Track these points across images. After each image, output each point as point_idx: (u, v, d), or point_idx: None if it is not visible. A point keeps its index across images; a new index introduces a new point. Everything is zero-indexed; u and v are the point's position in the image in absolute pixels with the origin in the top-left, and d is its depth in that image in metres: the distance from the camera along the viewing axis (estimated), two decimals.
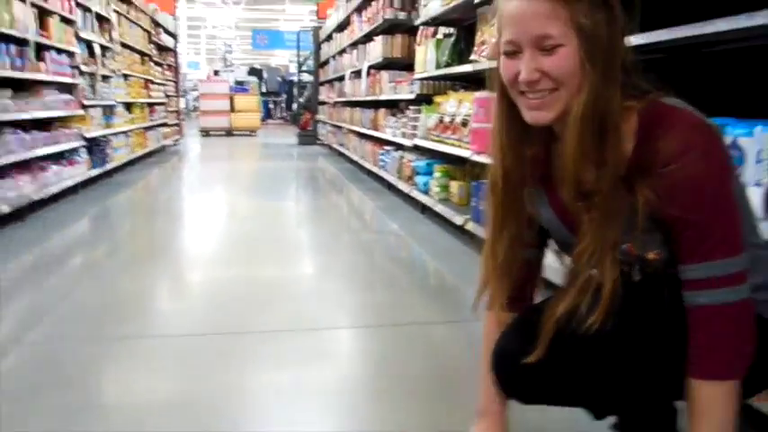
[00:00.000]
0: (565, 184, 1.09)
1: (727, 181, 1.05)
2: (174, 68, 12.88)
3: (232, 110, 15.18)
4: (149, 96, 9.74)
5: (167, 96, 11.59)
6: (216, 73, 20.05)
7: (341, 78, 9.70)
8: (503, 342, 1.26)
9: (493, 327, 1.31)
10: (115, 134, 7.34)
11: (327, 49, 11.71)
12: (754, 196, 1.62)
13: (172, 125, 11.90)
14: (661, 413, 1.32)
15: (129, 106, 8.37)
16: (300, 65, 15.10)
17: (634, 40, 2.08)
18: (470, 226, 3.66)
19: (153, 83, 10.20)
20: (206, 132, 15.03)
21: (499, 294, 1.25)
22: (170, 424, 1.71)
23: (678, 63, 2.42)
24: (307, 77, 15.36)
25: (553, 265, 1.35)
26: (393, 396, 1.91)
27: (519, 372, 1.19)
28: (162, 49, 11.62)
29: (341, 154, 9.87)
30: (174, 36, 12.82)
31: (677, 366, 1.06)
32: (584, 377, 1.13)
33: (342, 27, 9.72)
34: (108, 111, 7.24)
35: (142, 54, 9.50)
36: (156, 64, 10.84)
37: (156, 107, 10.42)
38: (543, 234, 1.28)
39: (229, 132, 15.16)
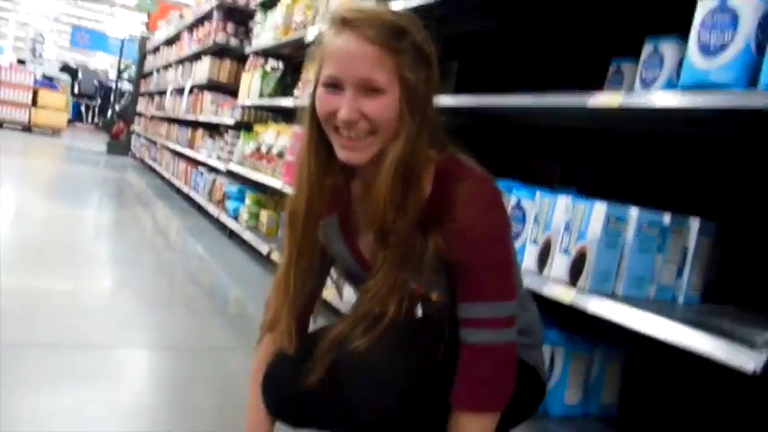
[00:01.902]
0: (371, 224, 1.12)
1: (506, 233, 1.16)
2: None
3: (34, 104, 13.79)
4: None
5: None
6: (21, 62, 18.16)
7: (162, 93, 9.29)
8: (275, 365, 1.26)
9: (266, 351, 1.31)
10: None
11: (153, 62, 11.17)
12: (531, 253, 1.80)
13: None
14: None
15: None
16: (121, 71, 14.23)
17: (447, 100, 2.26)
18: (276, 256, 3.64)
19: None
20: None
21: (288, 323, 1.23)
22: None
23: (484, 129, 2.64)
24: (126, 85, 14.49)
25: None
26: (181, 421, 1.80)
27: (291, 395, 1.20)
28: None
29: (152, 169, 9.35)
30: None
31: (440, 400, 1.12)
32: (356, 404, 1.13)
33: (171, 42, 9.35)
34: None
35: None
36: None
37: None
38: (327, 262, 1.30)
39: (28, 128, 13.69)
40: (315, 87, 1.12)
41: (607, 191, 2.12)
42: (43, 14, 25.81)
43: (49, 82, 15.34)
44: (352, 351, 1.08)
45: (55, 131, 14.16)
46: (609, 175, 2.37)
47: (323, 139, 1.13)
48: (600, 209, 1.61)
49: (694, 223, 1.65)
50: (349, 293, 1.40)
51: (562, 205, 1.73)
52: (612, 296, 1.58)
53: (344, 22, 1.06)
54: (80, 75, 21.01)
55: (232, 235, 4.77)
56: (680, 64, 1.54)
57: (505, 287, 1.12)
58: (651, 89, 1.67)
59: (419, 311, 1.16)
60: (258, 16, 5.02)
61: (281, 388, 1.24)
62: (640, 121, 1.95)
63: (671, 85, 1.62)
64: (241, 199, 4.68)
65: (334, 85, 1.07)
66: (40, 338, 2.25)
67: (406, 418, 1.13)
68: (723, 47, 1.37)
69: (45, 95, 14.05)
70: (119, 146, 12.05)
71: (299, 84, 4.05)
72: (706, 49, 1.41)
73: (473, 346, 1.10)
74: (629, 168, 2.28)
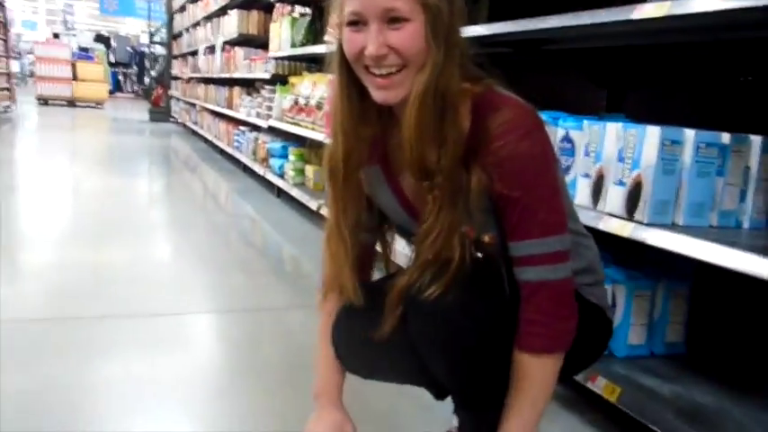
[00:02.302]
0: (407, 162, 1.08)
1: (551, 163, 1.09)
2: (3, 25, 11.46)
3: (74, 78, 14.00)
4: None
5: None
6: (56, 36, 18.38)
7: (194, 53, 9.28)
8: (345, 317, 1.27)
9: (333, 307, 1.30)
10: None
11: (181, 21, 11.13)
12: (583, 187, 1.74)
13: (1, 89, 10.68)
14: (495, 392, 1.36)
15: None
16: (152, 35, 14.25)
17: (481, 30, 2.16)
18: (325, 211, 3.65)
19: None
20: (44, 101, 13.73)
21: (350, 276, 1.22)
22: None
23: (522, 58, 2.54)
24: (159, 49, 14.54)
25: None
26: (246, 383, 1.86)
27: (362, 347, 1.21)
28: None
29: (195, 132, 9.46)
30: None
31: (510, 343, 1.10)
32: (433, 353, 1.13)
33: None
34: None
35: None
36: None
37: None
38: (378, 217, 1.28)
39: (72, 103, 13.97)
40: (340, 30, 1.07)
41: (657, 113, 2.03)
42: None
43: (85, 53, 15.52)
44: (424, 300, 1.06)
45: (98, 104, 14.42)
46: (658, 95, 2.26)
47: (355, 85, 1.09)
48: (653, 133, 1.52)
49: (756, 141, 1.55)
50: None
51: (612, 133, 1.65)
52: (673, 226, 1.51)
53: None
54: (113, 43, 21.18)
55: (280, 193, 4.81)
56: None
57: (554, 220, 1.07)
58: None
59: (474, 254, 1.12)
60: None
61: (352, 340, 1.25)
62: (690, 31, 1.83)
63: None
64: (285, 156, 4.69)
65: (358, 22, 1.03)
66: (106, 310, 2.33)
67: (481, 364, 1.12)
68: None
69: (83, 68, 14.26)
70: (160, 112, 12.20)
71: (329, 28, 3.97)
72: None
73: (526, 284, 1.07)
74: (680, 87, 2.16)
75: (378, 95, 1.06)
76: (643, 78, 2.30)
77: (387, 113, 1.13)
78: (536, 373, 1.08)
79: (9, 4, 12.17)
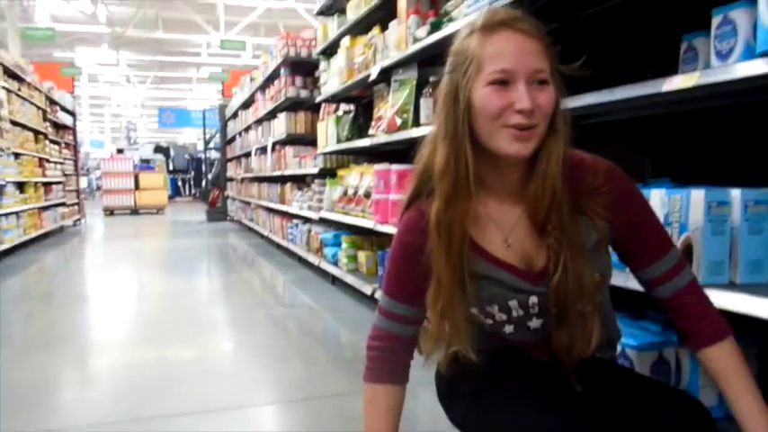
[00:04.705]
0: (532, 218, 1.16)
1: None
2: (73, 147, 12.41)
3: (137, 188, 14.81)
4: (44, 175, 9.30)
5: (65, 175, 11.10)
6: (120, 151, 19.59)
7: (248, 154, 9.71)
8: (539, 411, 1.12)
9: (386, 393, 1.31)
10: (5, 215, 6.95)
11: (234, 126, 11.74)
12: None
13: (71, 205, 11.40)
14: None
15: (21, 186, 7.95)
16: (207, 142, 15.03)
17: None
18: (379, 294, 3.68)
19: (48, 161, 9.77)
20: (110, 211, 14.52)
21: (467, 332, 1.18)
22: None
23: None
24: (214, 154, 15.27)
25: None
26: None
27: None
28: (59, 127, 11.18)
29: (251, 229, 9.75)
30: (72, 114, 12.39)
31: None
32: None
33: (247, 105, 9.81)
34: None
35: (36, 132, 9.09)
36: (53, 142, 10.40)
37: (53, 186, 9.97)
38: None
39: (135, 211, 14.71)
40: (463, 97, 1.11)
41: (705, 175, 2.02)
42: (131, 103, 27.76)
43: (146, 165, 16.44)
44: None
45: (159, 209, 15.11)
46: (704, 158, 2.26)
47: (474, 144, 1.13)
48: (698, 196, 1.53)
49: None
50: None
51: (657, 199, 1.65)
52: (730, 286, 1.49)
53: (501, 24, 1.10)
54: (172, 152, 22.41)
55: (335, 281, 4.88)
56: (755, 28, 1.45)
57: (668, 236, 1.23)
58: (728, 61, 1.58)
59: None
60: (322, 65, 5.21)
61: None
62: (726, 96, 1.85)
63: (750, 52, 1.52)
64: (338, 244, 4.79)
65: (503, 82, 1.08)
66: (175, 408, 2.39)
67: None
68: None
69: (145, 178, 15.10)
70: (217, 212, 12.69)
71: (372, 123, 4.14)
72: None
73: (689, 286, 1.19)
74: (725, 148, 2.16)
75: (513, 147, 1.09)
76: (686, 143, 2.31)
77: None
78: (736, 353, 1.17)
79: (78, 126, 13.12)
